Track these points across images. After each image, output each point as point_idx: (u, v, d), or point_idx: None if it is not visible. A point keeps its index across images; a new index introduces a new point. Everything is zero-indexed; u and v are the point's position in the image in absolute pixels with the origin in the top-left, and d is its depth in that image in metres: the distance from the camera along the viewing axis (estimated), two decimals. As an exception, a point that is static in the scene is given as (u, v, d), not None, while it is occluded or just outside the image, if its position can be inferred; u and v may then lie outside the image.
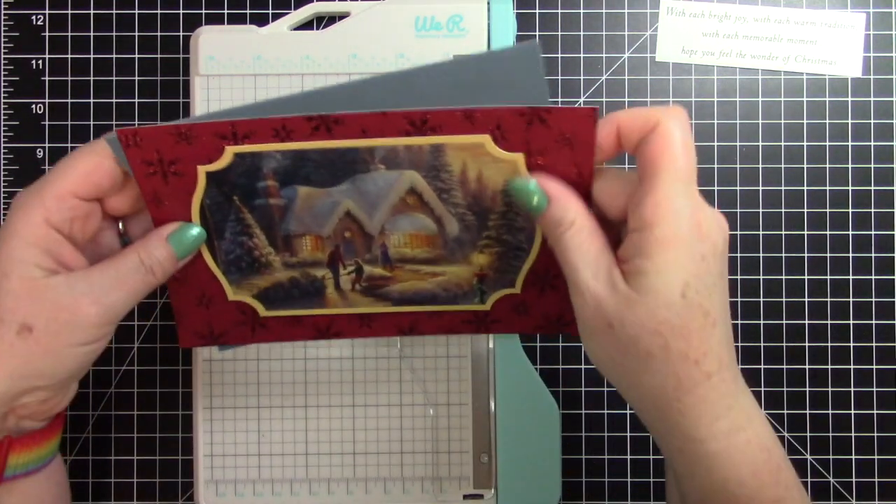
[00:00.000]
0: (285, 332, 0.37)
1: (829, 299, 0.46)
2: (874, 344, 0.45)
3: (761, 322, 0.46)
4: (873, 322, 0.45)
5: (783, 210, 0.46)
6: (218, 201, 0.33)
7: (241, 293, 0.35)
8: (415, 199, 0.33)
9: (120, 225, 0.35)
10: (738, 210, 0.46)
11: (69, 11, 0.46)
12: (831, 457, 0.45)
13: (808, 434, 0.45)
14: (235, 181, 0.32)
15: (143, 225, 0.34)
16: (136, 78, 0.46)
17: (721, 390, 0.29)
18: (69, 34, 0.46)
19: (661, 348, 0.28)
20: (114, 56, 0.46)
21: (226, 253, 0.34)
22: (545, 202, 0.31)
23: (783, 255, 0.46)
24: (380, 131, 0.31)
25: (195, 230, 0.33)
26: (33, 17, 0.46)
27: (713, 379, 0.29)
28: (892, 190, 0.46)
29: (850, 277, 0.46)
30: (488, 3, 0.43)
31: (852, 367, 0.45)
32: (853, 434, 0.45)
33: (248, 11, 0.46)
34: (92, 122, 0.46)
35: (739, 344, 0.45)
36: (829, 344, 0.45)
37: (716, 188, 0.46)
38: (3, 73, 0.46)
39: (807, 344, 0.45)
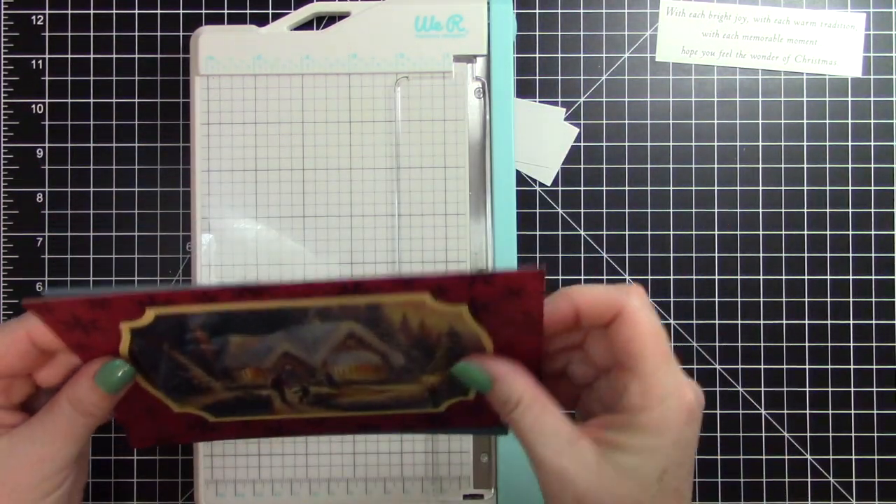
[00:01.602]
0: (236, 433, 0.35)
1: (829, 299, 0.46)
2: (874, 344, 0.45)
3: (761, 322, 0.45)
4: (873, 322, 0.45)
5: (783, 210, 0.46)
6: (146, 350, 0.31)
7: (187, 407, 0.33)
8: (355, 341, 0.31)
9: None
10: (739, 210, 0.46)
11: (69, 11, 0.46)
12: (831, 457, 0.45)
13: (808, 434, 0.45)
14: (162, 334, 0.30)
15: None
16: (136, 78, 0.46)
17: None
18: (69, 34, 0.46)
19: None
20: (114, 56, 0.46)
21: (163, 381, 0.32)
22: (489, 383, 0.30)
23: (783, 255, 0.46)
24: (310, 295, 0.29)
25: (121, 367, 0.31)
26: (33, 17, 0.46)
27: None
28: (892, 190, 0.46)
29: (850, 277, 0.46)
30: (488, 3, 0.43)
31: (852, 367, 0.45)
32: (853, 434, 0.45)
33: (248, 11, 0.46)
34: (92, 122, 0.46)
35: (739, 344, 0.45)
36: (829, 344, 0.45)
37: (716, 188, 0.46)
38: (3, 73, 0.46)
39: (807, 344, 0.45)
